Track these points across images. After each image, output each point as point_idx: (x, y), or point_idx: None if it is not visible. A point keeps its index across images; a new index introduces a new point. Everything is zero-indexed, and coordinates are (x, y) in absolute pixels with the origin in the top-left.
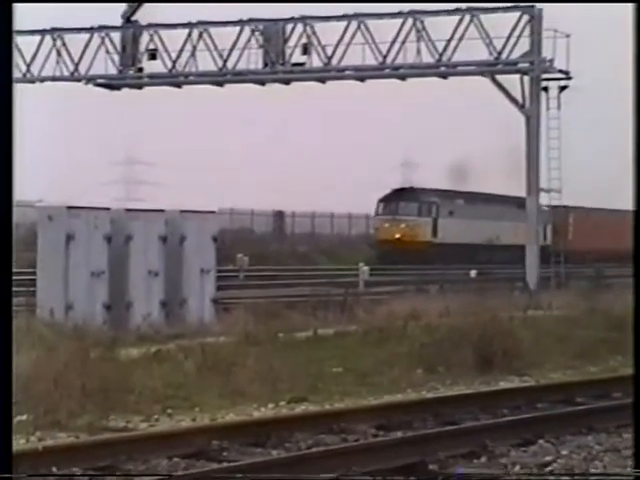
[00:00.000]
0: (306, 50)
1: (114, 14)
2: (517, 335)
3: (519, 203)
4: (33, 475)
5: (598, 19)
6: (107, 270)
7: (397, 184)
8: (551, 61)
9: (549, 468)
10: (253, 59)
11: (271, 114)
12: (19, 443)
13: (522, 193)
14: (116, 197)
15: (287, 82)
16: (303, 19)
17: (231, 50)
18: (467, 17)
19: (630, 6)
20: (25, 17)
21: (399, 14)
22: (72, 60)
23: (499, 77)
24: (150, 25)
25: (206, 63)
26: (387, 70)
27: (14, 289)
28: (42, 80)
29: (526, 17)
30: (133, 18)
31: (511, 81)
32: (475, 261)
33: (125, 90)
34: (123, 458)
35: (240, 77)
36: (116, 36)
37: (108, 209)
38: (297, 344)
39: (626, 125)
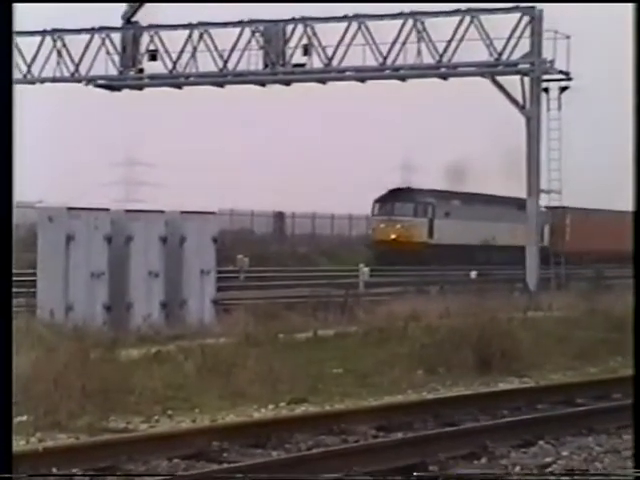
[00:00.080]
0: (306, 51)
1: (114, 15)
2: (517, 336)
3: (516, 204)
4: (33, 475)
5: (598, 20)
6: (107, 271)
7: (397, 185)
8: (551, 62)
9: (549, 469)
10: (253, 60)
11: (271, 115)
12: (19, 444)
13: (522, 194)
14: (116, 198)
15: (287, 83)
16: (303, 20)
17: (231, 51)
18: (467, 18)
19: (630, 6)
20: (25, 18)
21: (399, 15)
22: (72, 61)
23: (499, 78)
24: (150, 26)
25: (206, 64)
26: (387, 71)
27: (14, 290)
28: (42, 81)
29: (526, 18)
30: (133, 19)
31: (511, 82)
32: (472, 262)
33: (125, 91)
34: (123, 459)
35: (240, 78)
36: (116, 37)
37: (108, 210)
38: (297, 345)
39: (626, 126)
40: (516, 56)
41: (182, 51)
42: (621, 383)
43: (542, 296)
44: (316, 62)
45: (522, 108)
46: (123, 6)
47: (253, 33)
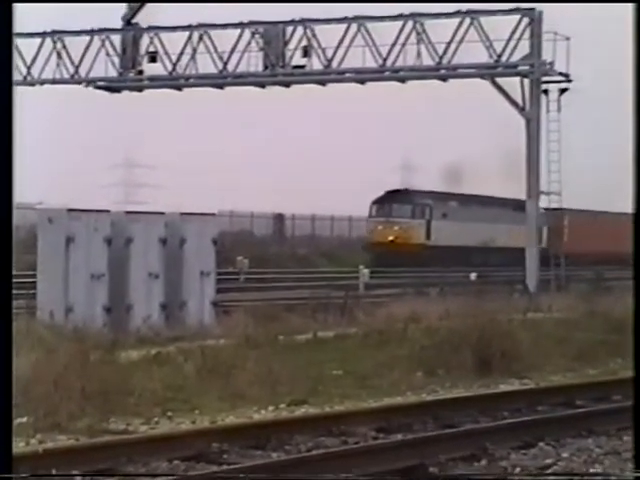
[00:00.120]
0: (306, 52)
1: (114, 17)
2: (517, 337)
3: (514, 205)
4: (33, 476)
5: (598, 21)
6: (107, 272)
7: (397, 187)
8: (551, 64)
9: (549, 471)
10: (253, 61)
11: (271, 116)
12: (19, 446)
13: (521, 195)
14: (116, 199)
15: (287, 85)
16: (303, 21)
17: (231, 52)
18: (467, 20)
19: (630, 6)
20: (25, 19)
21: (399, 17)
22: (72, 62)
23: (499, 80)
24: (150, 28)
25: (206, 65)
26: (387, 73)
27: (14, 291)
28: (42, 83)
29: (526, 20)
30: (133, 21)
31: (511, 84)
32: (469, 264)
33: (125, 93)
34: (123, 460)
35: (240, 79)
36: (116, 39)
37: (108, 211)
38: (297, 347)
39: (626, 126)
40: (516, 58)
41: (182, 53)
42: (621, 385)
43: (542, 297)
44: (316, 64)
45: (522, 110)
46: (123, 8)
47: (253, 34)
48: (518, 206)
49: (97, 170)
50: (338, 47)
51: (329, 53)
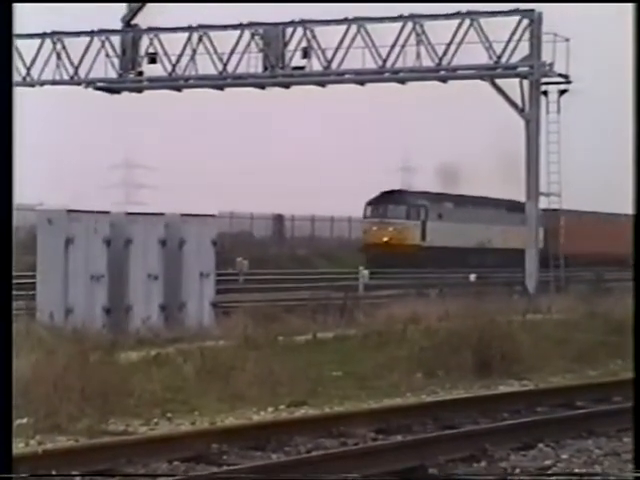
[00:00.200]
0: (306, 54)
1: (114, 18)
2: (516, 339)
3: (510, 206)
4: (34, 475)
5: (597, 22)
6: (107, 274)
7: (398, 187)
8: (551, 65)
9: (549, 472)
10: (253, 63)
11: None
12: (19, 447)
13: (520, 197)
14: (116, 200)
15: (287, 86)
16: (303, 23)
17: (231, 54)
18: (467, 21)
19: (630, 6)
20: (25, 20)
21: (399, 18)
22: (72, 64)
23: (499, 81)
24: (150, 29)
25: (206, 67)
26: (387, 74)
27: (14, 292)
28: (42, 84)
29: (526, 21)
30: (133, 22)
31: (511, 85)
32: (465, 265)
33: (125, 94)
34: (123, 461)
35: (240, 81)
36: (116, 40)
37: (108, 213)
38: (297, 348)
39: (626, 128)
40: (515, 59)
41: (181, 54)
42: (621, 386)
43: (541, 299)
44: (315, 65)
45: (521, 111)
46: (123, 9)
47: (253, 36)
48: (514, 207)
49: (97, 171)
50: (338, 48)
51: (329, 54)
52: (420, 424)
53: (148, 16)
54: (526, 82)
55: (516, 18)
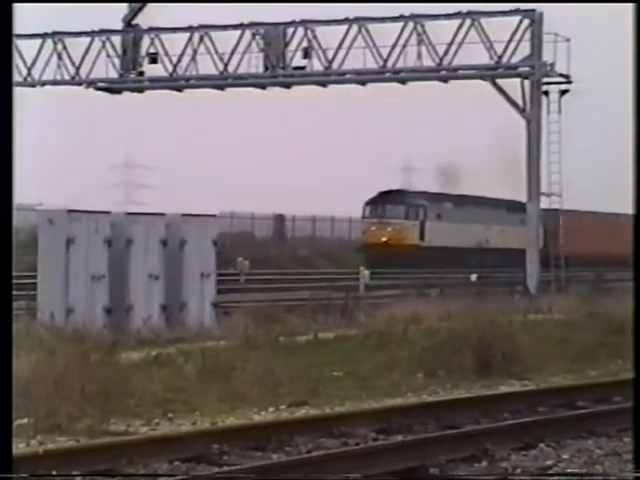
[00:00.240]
0: (307, 54)
1: (115, 18)
2: (517, 339)
3: (509, 206)
4: (34, 475)
5: (598, 22)
6: (107, 274)
7: (398, 187)
8: (552, 65)
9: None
10: (254, 63)
11: (272, 118)
12: (19, 447)
13: (521, 197)
14: (117, 200)
15: (288, 86)
16: (304, 23)
17: (232, 54)
18: (468, 21)
19: (630, 6)
20: (26, 20)
21: (400, 18)
22: (73, 64)
23: (500, 81)
24: (151, 29)
25: (207, 67)
26: (388, 74)
27: (14, 293)
28: (43, 84)
29: (527, 21)
30: (134, 22)
31: (512, 85)
32: (464, 265)
33: (126, 94)
34: (123, 462)
35: (241, 81)
36: (117, 40)
37: (108, 213)
38: (297, 348)
39: (626, 128)
40: (516, 59)
41: (182, 54)
42: (621, 386)
43: (542, 299)
44: (316, 65)
45: (522, 111)
46: (123, 9)
47: (253, 36)
48: (513, 207)
49: (98, 171)
50: (339, 48)
51: (330, 54)
52: (421, 424)
53: (149, 16)
54: (527, 82)
55: (517, 18)
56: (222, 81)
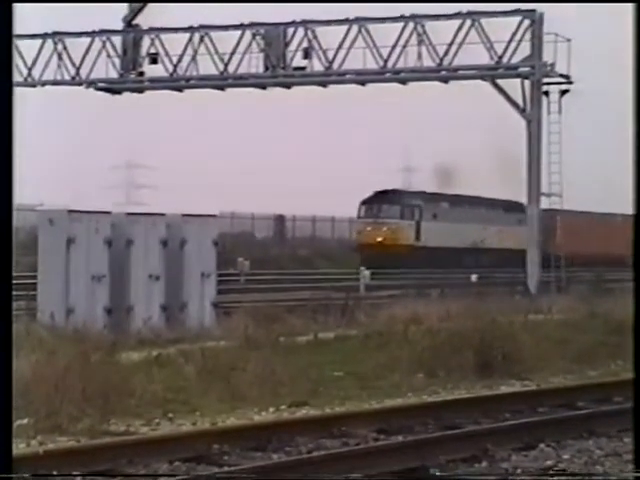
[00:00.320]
0: (307, 54)
1: (115, 18)
2: (518, 339)
3: (506, 206)
4: (34, 475)
5: (598, 22)
6: (108, 274)
7: (398, 187)
8: (552, 65)
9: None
10: (254, 63)
11: (272, 118)
12: (19, 447)
13: (521, 197)
14: (117, 201)
15: (288, 86)
16: (304, 23)
17: (232, 54)
18: (468, 21)
19: (630, 6)
20: (26, 20)
21: (400, 18)
22: (73, 64)
23: (500, 81)
24: (151, 29)
25: (207, 67)
26: (388, 74)
27: (14, 293)
28: (43, 84)
29: (527, 21)
30: (134, 22)
31: (512, 85)
32: (460, 265)
33: (126, 94)
34: (124, 462)
35: (241, 81)
36: (117, 40)
37: (109, 213)
38: (298, 348)
39: (626, 128)
40: (517, 59)
41: (183, 54)
42: (622, 386)
43: (542, 299)
44: (317, 65)
45: (522, 111)
46: (124, 9)
47: (254, 36)
48: (510, 207)
49: (98, 171)
50: (339, 48)
51: (330, 54)
52: (421, 424)
53: (149, 16)
54: (527, 82)
55: (517, 18)
56: (222, 81)
